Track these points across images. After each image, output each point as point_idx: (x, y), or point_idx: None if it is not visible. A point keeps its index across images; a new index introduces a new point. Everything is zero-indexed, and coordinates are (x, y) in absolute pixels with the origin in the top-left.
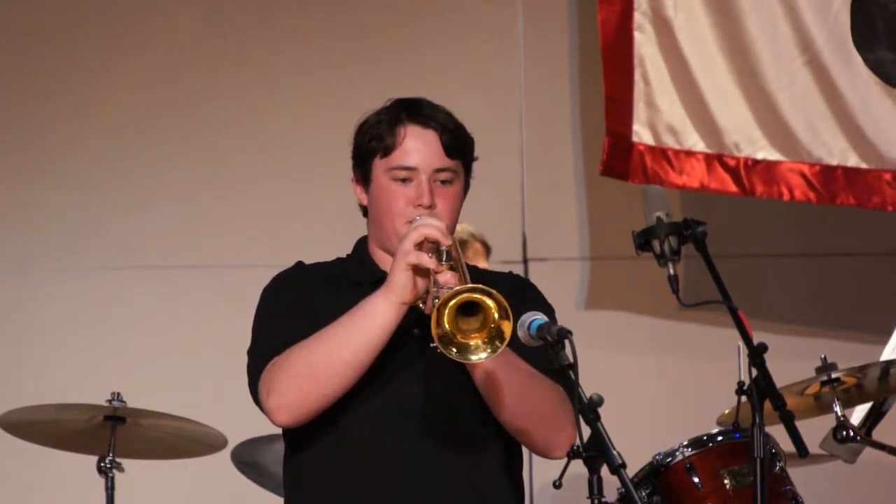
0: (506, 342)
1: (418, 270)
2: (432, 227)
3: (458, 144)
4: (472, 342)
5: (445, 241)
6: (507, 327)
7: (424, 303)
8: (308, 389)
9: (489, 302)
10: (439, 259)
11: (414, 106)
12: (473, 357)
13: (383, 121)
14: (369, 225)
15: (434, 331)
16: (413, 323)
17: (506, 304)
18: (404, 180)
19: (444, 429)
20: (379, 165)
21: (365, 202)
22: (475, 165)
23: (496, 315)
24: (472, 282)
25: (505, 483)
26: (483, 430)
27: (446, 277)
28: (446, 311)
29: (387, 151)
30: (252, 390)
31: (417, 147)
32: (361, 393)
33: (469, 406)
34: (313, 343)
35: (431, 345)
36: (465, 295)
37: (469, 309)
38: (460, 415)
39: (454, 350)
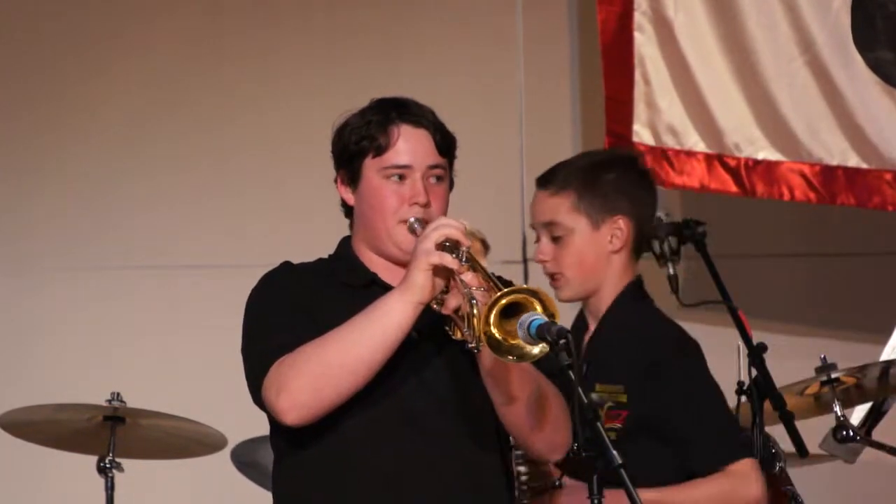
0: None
1: (438, 271)
2: (453, 227)
3: (447, 143)
4: (520, 342)
5: (466, 242)
6: None
7: (439, 304)
8: (322, 388)
9: (535, 302)
10: (459, 260)
11: (402, 105)
12: (528, 356)
13: (373, 121)
14: (356, 225)
15: (479, 333)
16: (413, 325)
17: (552, 300)
18: (399, 178)
19: (446, 429)
20: (371, 165)
21: (352, 202)
22: (475, 165)
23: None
24: None
25: (501, 482)
26: (483, 430)
27: (469, 278)
28: (494, 313)
29: (380, 151)
30: (254, 391)
31: (411, 146)
32: (362, 394)
33: (471, 407)
34: (327, 342)
35: (470, 345)
36: (514, 296)
37: (511, 309)
38: (462, 416)
39: (505, 352)
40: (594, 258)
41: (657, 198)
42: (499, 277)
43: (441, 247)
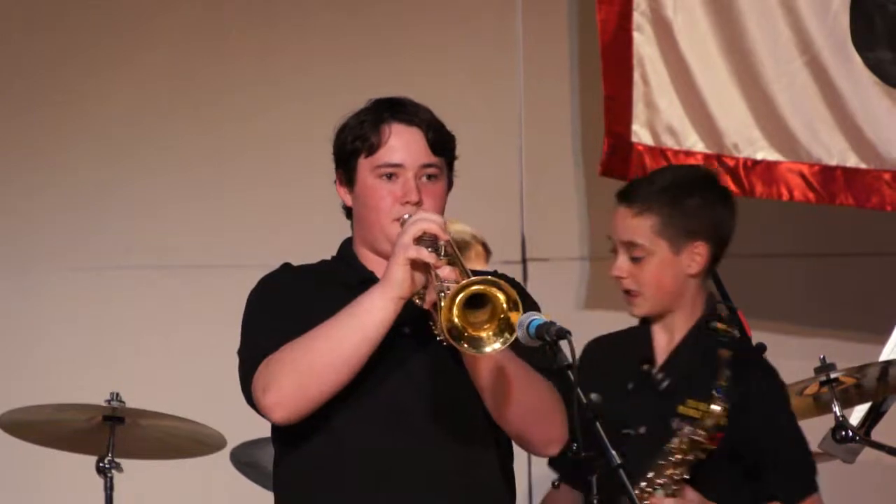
0: (515, 332)
1: (416, 265)
2: (431, 221)
3: (442, 141)
4: (483, 334)
5: (444, 236)
6: (515, 318)
7: (421, 298)
8: (307, 385)
9: (498, 293)
10: (437, 254)
11: (397, 104)
12: (487, 349)
13: (366, 121)
14: (354, 226)
15: (443, 324)
16: (403, 320)
17: (515, 294)
18: (390, 177)
19: (437, 426)
20: (364, 165)
21: (349, 203)
22: (475, 165)
23: (505, 306)
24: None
25: (498, 479)
26: (476, 427)
27: (446, 272)
28: (456, 304)
29: (372, 150)
30: (245, 391)
31: (402, 144)
32: (352, 392)
33: (461, 403)
34: (310, 339)
35: (439, 338)
36: (475, 287)
37: (476, 301)
38: (453, 412)
39: (464, 343)
40: (672, 281)
41: (736, 217)
42: (495, 273)
43: (419, 241)
